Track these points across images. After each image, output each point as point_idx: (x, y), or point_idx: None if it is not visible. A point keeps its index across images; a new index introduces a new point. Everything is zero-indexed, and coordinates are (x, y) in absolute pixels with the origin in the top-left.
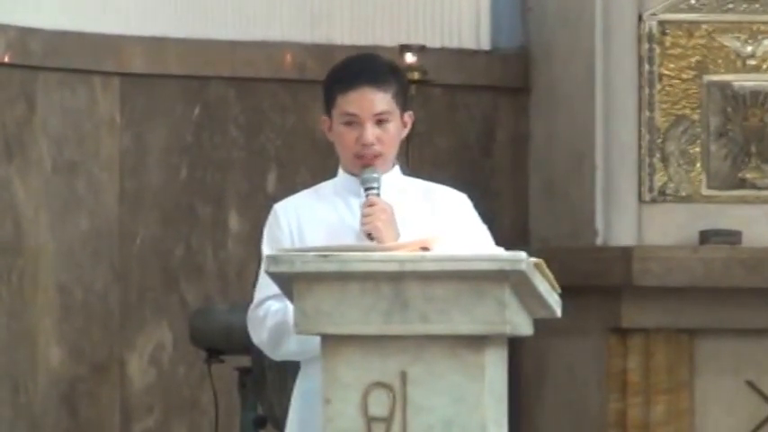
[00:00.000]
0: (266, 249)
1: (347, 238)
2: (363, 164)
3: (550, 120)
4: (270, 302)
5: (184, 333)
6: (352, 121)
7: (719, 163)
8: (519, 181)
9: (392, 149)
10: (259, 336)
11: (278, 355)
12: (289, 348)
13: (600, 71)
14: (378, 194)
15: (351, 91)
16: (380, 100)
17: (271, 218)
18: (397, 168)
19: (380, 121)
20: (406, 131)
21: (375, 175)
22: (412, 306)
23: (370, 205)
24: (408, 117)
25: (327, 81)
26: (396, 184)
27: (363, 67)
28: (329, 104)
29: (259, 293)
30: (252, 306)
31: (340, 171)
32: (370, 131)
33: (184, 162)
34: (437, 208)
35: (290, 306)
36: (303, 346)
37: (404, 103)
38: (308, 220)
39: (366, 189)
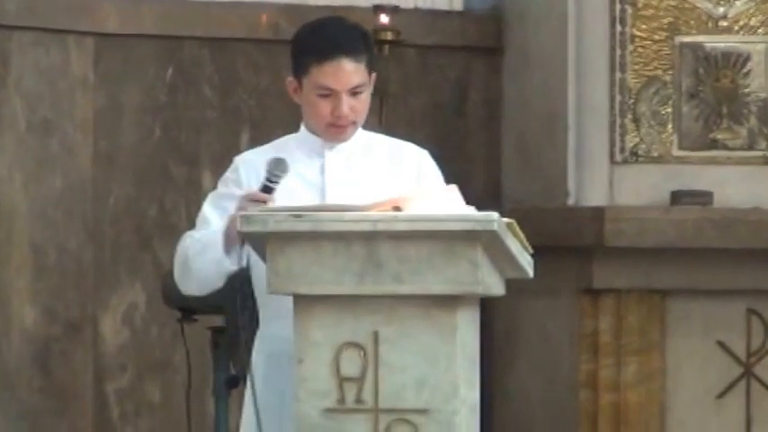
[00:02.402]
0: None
1: (309, 196)
2: (337, 132)
3: (523, 80)
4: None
5: (157, 293)
6: (328, 94)
7: (691, 124)
8: (491, 141)
9: (364, 116)
10: (176, 258)
11: (184, 276)
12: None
13: (572, 32)
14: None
15: (326, 63)
16: (356, 72)
17: (230, 171)
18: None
19: (355, 93)
20: (370, 90)
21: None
22: (384, 266)
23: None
24: (372, 77)
25: (299, 47)
26: (360, 145)
27: (339, 36)
28: (300, 70)
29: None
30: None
31: (303, 129)
32: (346, 104)
33: (158, 122)
34: (403, 166)
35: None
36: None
37: (372, 67)
38: (259, 180)
39: (271, 179)
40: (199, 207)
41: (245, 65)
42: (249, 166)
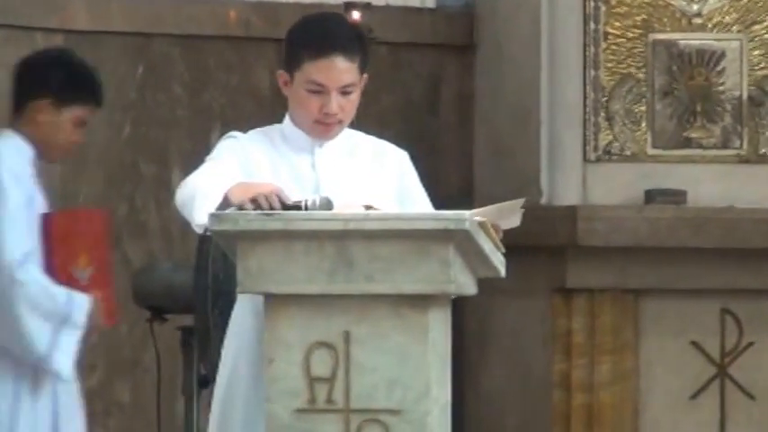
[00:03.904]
0: (221, 151)
1: (304, 192)
2: (323, 130)
3: (495, 78)
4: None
5: (127, 292)
6: (318, 90)
7: (665, 122)
8: (464, 139)
9: (351, 116)
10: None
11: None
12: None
13: (545, 29)
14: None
15: (320, 60)
16: (348, 71)
17: (229, 139)
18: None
19: (345, 92)
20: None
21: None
22: (356, 265)
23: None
24: (363, 79)
25: (295, 41)
26: (346, 143)
27: (335, 35)
28: (293, 64)
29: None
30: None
31: (288, 122)
32: (335, 102)
33: (128, 120)
34: (385, 166)
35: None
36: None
37: (364, 69)
38: (258, 165)
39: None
40: (169, 206)
41: (216, 62)
42: (246, 142)
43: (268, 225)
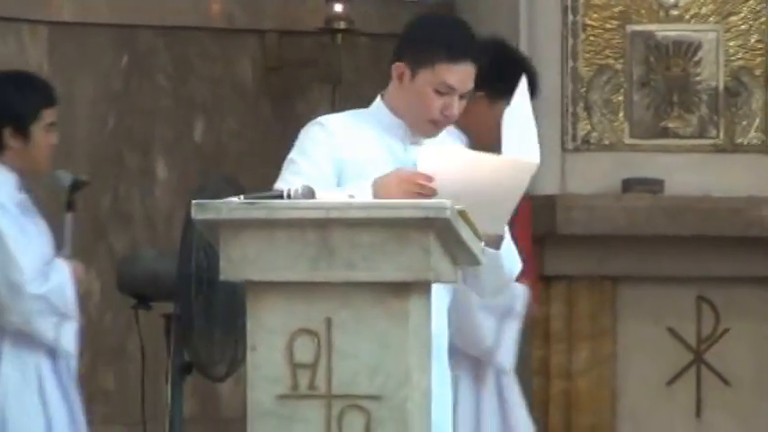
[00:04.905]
0: (298, 155)
1: None
2: (435, 129)
3: None
4: None
5: (112, 280)
6: (445, 92)
7: (642, 112)
8: None
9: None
10: None
11: None
12: None
13: (524, 21)
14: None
15: (456, 65)
16: (472, 78)
17: (315, 127)
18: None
19: (462, 96)
20: None
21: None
22: (338, 253)
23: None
24: None
25: (429, 39)
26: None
27: (471, 41)
28: (423, 61)
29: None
30: None
31: (385, 109)
32: (457, 105)
33: (112, 111)
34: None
35: None
36: None
37: None
38: (351, 147)
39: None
40: (152, 195)
41: (199, 54)
42: (335, 131)
43: (251, 213)
